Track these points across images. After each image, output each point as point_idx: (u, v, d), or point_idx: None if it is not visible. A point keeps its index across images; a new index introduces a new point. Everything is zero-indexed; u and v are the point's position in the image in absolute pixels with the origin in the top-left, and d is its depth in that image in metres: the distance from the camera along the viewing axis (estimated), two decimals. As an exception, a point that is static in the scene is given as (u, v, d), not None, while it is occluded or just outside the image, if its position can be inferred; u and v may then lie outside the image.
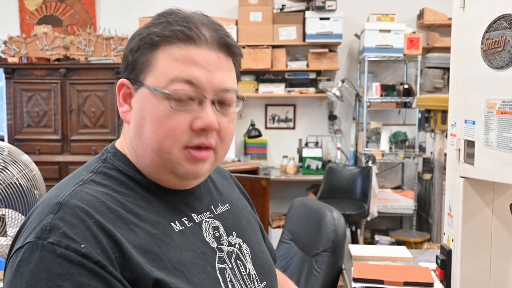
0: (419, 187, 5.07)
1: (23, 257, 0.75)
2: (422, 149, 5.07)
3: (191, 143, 0.86)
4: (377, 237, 4.90)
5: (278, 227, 4.83)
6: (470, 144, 1.25)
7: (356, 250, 2.22)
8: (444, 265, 1.38)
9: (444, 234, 1.44)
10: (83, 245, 0.75)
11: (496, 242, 1.33)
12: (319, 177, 4.87)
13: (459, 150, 1.29)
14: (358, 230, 4.63)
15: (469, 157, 1.25)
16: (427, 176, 4.87)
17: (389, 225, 5.31)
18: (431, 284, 1.69)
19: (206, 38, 0.86)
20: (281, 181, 5.13)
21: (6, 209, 2.00)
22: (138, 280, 0.76)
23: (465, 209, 1.31)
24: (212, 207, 0.95)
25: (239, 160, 5.16)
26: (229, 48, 0.89)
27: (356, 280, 1.75)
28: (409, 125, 5.12)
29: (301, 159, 5.13)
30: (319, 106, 5.51)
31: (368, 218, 4.53)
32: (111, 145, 0.94)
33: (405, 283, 1.70)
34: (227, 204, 0.99)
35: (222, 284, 0.85)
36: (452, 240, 1.37)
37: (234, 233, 0.94)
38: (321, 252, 2.15)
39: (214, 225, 0.91)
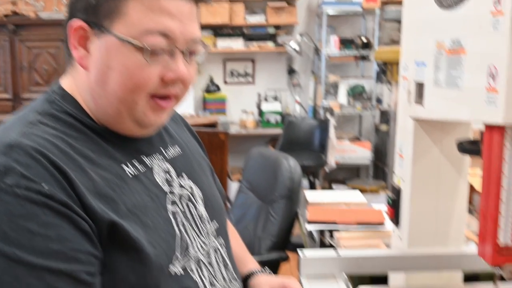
0: (376, 138, 5.17)
1: None
2: (379, 101, 5.15)
3: (158, 92, 0.85)
4: (334, 187, 5.02)
5: (238, 180, 4.87)
6: (420, 85, 1.27)
7: (311, 196, 2.26)
8: (394, 204, 1.43)
9: (395, 174, 1.48)
10: (45, 186, 0.72)
11: (444, 180, 1.37)
12: (279, 131, 4.90)
13: (410, 91, 1.32)
14: (316, 181, 4.72)
15: (419, 98, 1.28)
16: (384, 128, 4.96)
17: (347, 176, 5.43)
18: (382, 224, 1.75)
19: None
20: (241, 135, 5.15)
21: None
22: (93, 224, 0.75)
23: (415, 149, 1.35)
24: (162, 150, 0.94)
25: (198, 115, 5.13)
26: None
27: (310, 222, 1.79)
28: (367, 78, 5.18)
29: (261, 113, 5.14)
30: (278, 61, 5.50)
31: (327, 169, 4.61)
32: (57, 86, 0.89)
33: (358, 223, 1.75)
34: (178, 148, 0.98)
35: (175, 227, 0.85)
36: (403, 180, 1.41)
37: (185, 176, 0.93)
38: (278, 199, 2.18)
39: (165, 168, 0.90)
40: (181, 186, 0.91)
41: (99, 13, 0.81)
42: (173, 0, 0.82)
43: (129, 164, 0.85)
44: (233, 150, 4.67)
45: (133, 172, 0.84)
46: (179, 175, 0.92)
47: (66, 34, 0.85)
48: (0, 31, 4.62)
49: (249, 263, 1.10)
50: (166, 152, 0.94)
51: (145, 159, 0.88)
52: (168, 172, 0.90)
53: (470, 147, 1.11)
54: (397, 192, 1.42)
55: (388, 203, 1.45)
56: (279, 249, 2.19)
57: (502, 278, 1.35)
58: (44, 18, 4.64)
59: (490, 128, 0.94)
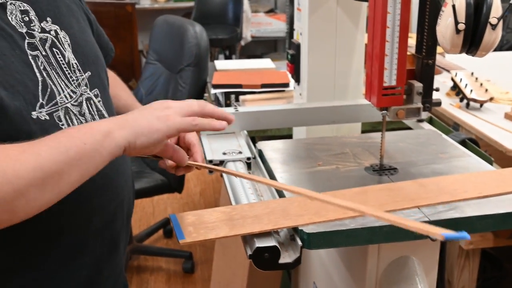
0: (291, 9, 5.09)
1: None
2: (294, -30, 5.01)
3: None
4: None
5: (153, 58, 4.72)
6: None
7: (221, 64, 2.23)
8: (294, 59, 1.41)
9: (294, 30, 1.45)
10: None
11: (341, 33, 1.36)
12: (192, 4, 4.71)
13: None
14: (233, 56, 4.66)
15: None
16: (299, -2, 4.87)
17: (264, 50, 5.39)
18: (287, 84, 1.75)
19: None
20: (153, 10, 4.91)
21: None
22: None
23: (311, 0, 1.31)
24: None
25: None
26: None
27: (216, 86, 1.76)
28: None
29: (172, -15, 4.89)
30: None
31: (242, 43, 4.54)
32: None
33: (262, 85, 1.74)
34: None
35: (36, 71, 0.78)
36: (301, 34, 1.39)
37: (49, 19, 0.84)
38: (185, 67, 2.13)
39: (22, 8, 0.81)
40: (44, 30, 0.82)
41: None
42: None
43: None
44: (146, 27, 4.47)
45: None
46: (42, 19, 0.82)
47: None
48: None
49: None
50: None
51: None
52: (27, 13, 0.81)
53: (361, -8, 1.09)
54: (296, 47, 1.41)
55: (288, 59, 1.44)
56: (189, 118, 2.17)
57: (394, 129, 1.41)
58: None
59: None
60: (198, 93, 2.11)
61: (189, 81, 2.10)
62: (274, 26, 4.88)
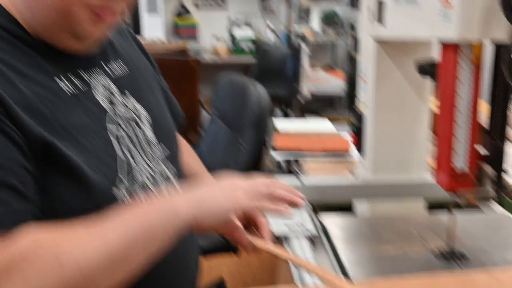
0: (350, 67, 5.11)
1: None
2: (353, 28, 5.06)
3: (97, 4, 0.75)
4: (307, 117, 5.00)
5: (212, 110, 4.82)
6: (380, 4, 1.22)
7: (280, 124, 2.24)
8: (358, 131, 1.40)
9: (357, 98, 1.45)
10: None
11: (406, 106, 1.35)
12: (252, 59, 4.82)
13: (371, 9, 1.26)
14: (289, 110, 4.70)
15: (380, 16, 1.23)
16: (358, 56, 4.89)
17: (320, 106, 5.40)
18: (348, 151, 1.73)
19: None
20: (215, 65, 5.04)
21: None
22: (26, 140, 0.69)
23: (377, 73, 1.31)
24: (104, 65, 0.87)
25: (169, 42, 4.99)
26: None
27: (276, 150, 1.77)
28: (340, 2, 5.05)
29: (233, 40, 5.02)
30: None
31: (301, 100, 4.57)
32: None
33: (324, 151, 1.73)
34: (122, 63, 0.91)
35: (116, 149, 0.80)
36: (366, 106, 1.38)
37: (129, 95, 0.87)
38: (246, 127, 2.15)
39: (106, 85, 0.84)
40: (124, 105, 0.85)
41: None
42: None
43: (63, 78, 0.77)
44: (207, 80, 4.59)
45: (71, 90, 0.77)
46: (122, 93, 0.85)
47: None
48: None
49: (207, 179, 1.06)
50: (107, 66, 0.86)
51: (82, 73, 0.81)
52: (109, 88, 0.83)
53: (429, 69, 1.07)
54: (360, 118, 1.40)
55: (352, 130, 1.43)
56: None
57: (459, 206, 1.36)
58: None
59: (445, 46, 0.91)
60: (258, 153, 2.12)
61: (249, 141, 2.12)
62: (332, 83, 4.90)
